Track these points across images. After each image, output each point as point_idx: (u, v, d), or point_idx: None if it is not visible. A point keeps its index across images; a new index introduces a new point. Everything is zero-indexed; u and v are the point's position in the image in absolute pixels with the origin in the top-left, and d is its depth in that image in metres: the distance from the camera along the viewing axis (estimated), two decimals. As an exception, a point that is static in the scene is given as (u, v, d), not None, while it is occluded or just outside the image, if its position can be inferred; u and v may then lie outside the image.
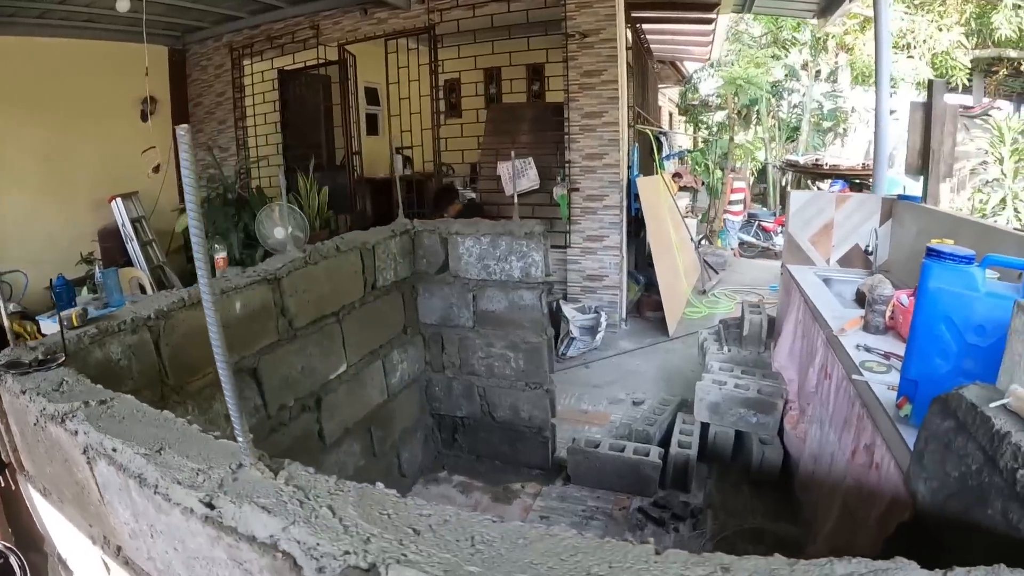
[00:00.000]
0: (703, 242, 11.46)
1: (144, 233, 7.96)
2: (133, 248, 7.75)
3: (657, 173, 8.53)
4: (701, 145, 19.36)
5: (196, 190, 1.22)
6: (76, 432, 1.51)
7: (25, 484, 2.13)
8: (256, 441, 2.67)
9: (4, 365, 1.87)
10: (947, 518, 1.54)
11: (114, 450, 1.40)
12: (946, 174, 5.01)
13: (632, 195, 7.08)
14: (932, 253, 2.20)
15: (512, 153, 4.75)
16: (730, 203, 13.05)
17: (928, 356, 2.19)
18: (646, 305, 7.55)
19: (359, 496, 1.19)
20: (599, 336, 6.52)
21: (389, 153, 8.74)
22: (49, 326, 3.94)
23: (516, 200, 3.99)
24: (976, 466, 1.42)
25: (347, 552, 1.04)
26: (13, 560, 2.10)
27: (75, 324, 2.19)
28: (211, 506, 1.20)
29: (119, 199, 7.77)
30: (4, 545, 2.09)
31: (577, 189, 6.86)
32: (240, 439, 1.32)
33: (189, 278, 7.85)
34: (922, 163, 4.93)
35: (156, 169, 8.06)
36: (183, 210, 8.22)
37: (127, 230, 7.74)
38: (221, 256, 6.39)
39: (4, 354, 1.93)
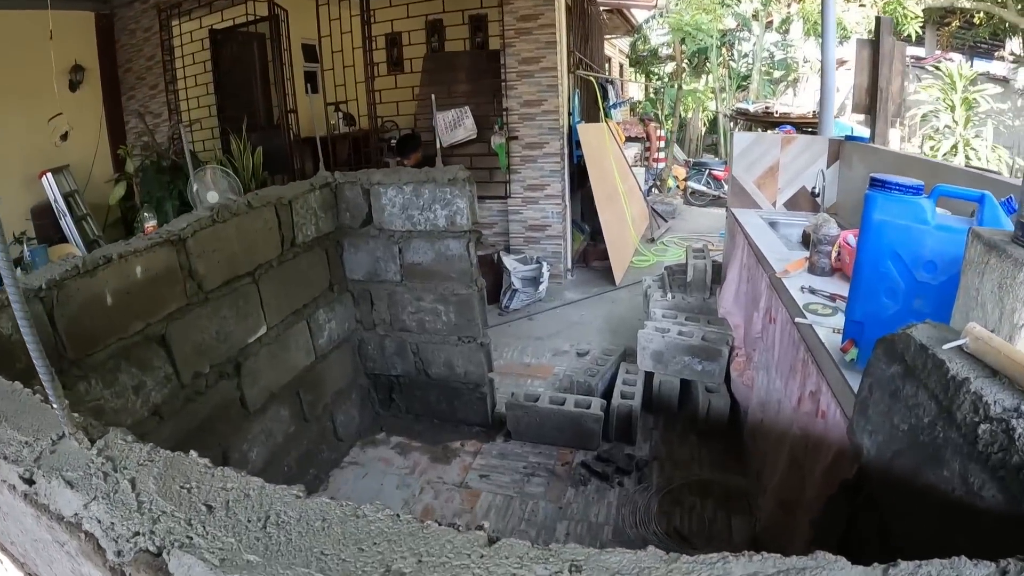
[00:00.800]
0: (653, 190, 11.37)
1: (78, 207, 7.61)
2: (67, 223, 7.41)
3: (603, 121, 8.36)
4: (651, 95, 19.26)
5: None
6: None
7: None
8: (170, 412, 2.51)
9: None
10: (894, 478, 1.36)
11: None
12: (894, 114, 4.94)
13: (575, 142, 6.90)
14: (877, 183, 2.07)
15: (434, 100, 4.50)
16: (658, 151, 12.92)
17: (874, 295, 2.08)
18: (592, 255, 7.44)
19: (166, 467, 1.04)
20: (542, 287, 6.39)
21: (330, 108, 8.49)
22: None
23: (440, 148, 3.81)
24: (928, 418, 1.23)
25: (137, 533, 0.91)
26: None
27: None
28: (30, 482, 1.06)
29: (49, 174, 7.41)
30: None
31: (516, 137, 6.68)
32: (55, 405, 1.14)
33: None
34: (870, 102, 4.84)
35: (64, 137, 7.70)
36: (116, 180, 8.03)
37: (60, 205, 7.41)
38: (151, 224, 6.16)
39: None
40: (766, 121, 14.34)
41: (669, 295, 5.12)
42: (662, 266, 6.04)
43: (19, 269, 5.91)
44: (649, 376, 4.23)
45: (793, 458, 2.64)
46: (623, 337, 5.33)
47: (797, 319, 2.68)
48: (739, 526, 3.12)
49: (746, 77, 19.55)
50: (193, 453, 1.08)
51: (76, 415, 1.17)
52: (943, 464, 1.17)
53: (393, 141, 7.32)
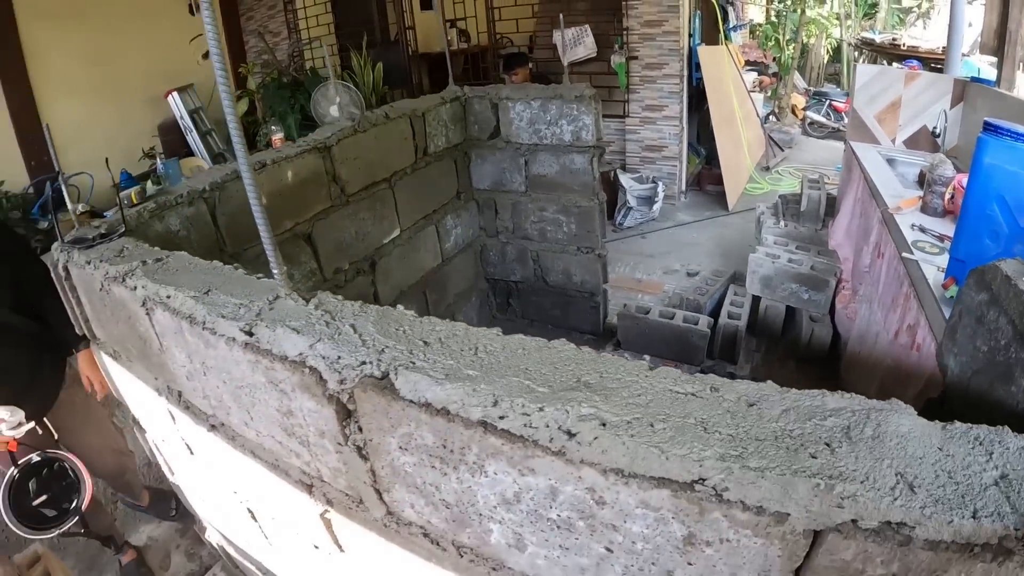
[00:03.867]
0: (771, 118, 11.11)
1: (203, 123, 8.04)
2: (193, 139, 7.87)
3: (723, 44, 8.24)
4: (773, 18, 18.56)
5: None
6: (135, 287, 1.61)
7: (98, 353, 2.28)
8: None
9: (70, 242, 1.98)
10: (971, 394, 1.49)
11: (168, 297, 1.50)
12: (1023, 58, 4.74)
13: (694, 65, 6.87)
14: (990, 128, 2.10)
15: (562, 20, 4.57)
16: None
17: (978, 236, 2.14)
18: (706, 178, 7.43)
19: (379, 316, 1.26)
20: (656, 207, 6.47)
21: (446, 25, 8.60)
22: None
23: (566, 66, 3.92)
24: (1004, 341, 1.35)
25: (363, 362, 1.12)
26: (68, 465, 2.40)
27: (134, 201, 2.27)
28: (250, 333, 1.29)
29: (175, 93, 7.83)
30: (52, 452, 2.38)
31: (636, 57, 6.65)
32: (275, 272, 1.39)
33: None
34: (997, 44, 4.66)
35: (205, 56, 8.07)
36: (239, 97, 8.39)
37: (186, 122, 7.83)
38: (278, 136, 6.44)
39: (70, 233, 2.04)
40: (892, 53, 13.63)
41: (782, 223, 5.13)
42: (776, 195, 6.02)
43: (149, 182, 6.34)
44: (756, 300, 4.30)
45: (883, 387, 2.72)
46: (733, 261, 5.38)
47: (904, 254, 2.73)
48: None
49: (873, 4, 18.59)
50: (399, 306, 1.31)
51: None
52: (1012, 380, 1.29)
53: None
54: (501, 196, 3.94)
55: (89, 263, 1.83)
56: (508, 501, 1.03)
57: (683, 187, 7.15)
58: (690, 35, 6.84)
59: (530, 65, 6.35)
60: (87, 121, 7.59)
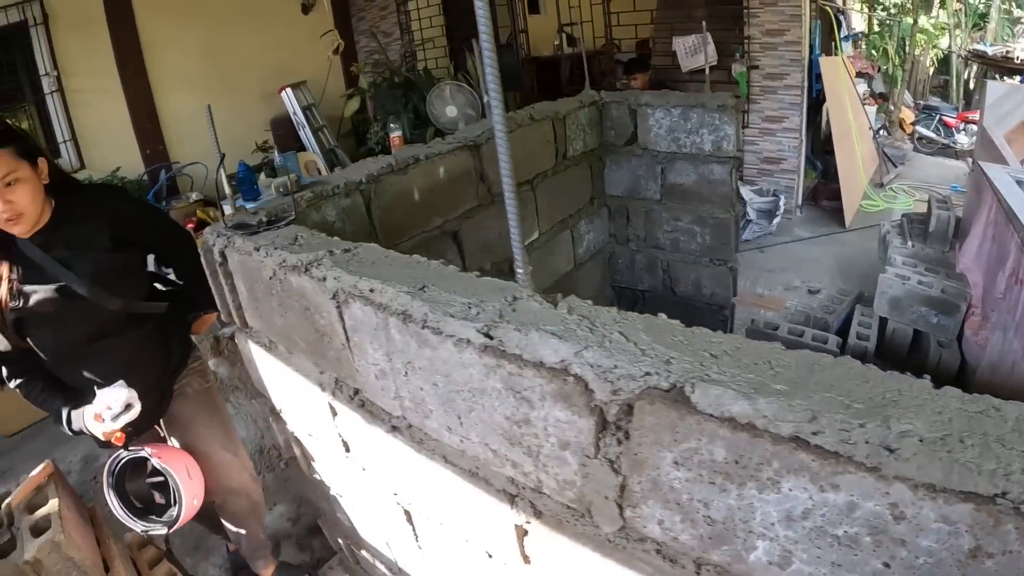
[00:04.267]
0: (881, 132, 10.78)
1: (315, 119, 8.18)
2: (306, 134, 8.00)
3: (837, 54, 8.02)
4: (877, 28, 18.01)
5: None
6: (324, 278, 1.59)
7: (245, 342, 2.29)
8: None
9: (232, 227, 1.99)
10: None
11: (371, 291, 1.45)
12: None
13: (813, 75, 6.69)
14: None
15: (704, 27, 4.48)
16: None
17: None
18: (822, 193, 7.22)
19: (647, 324, 1.18)
20: (776, 221, 6.33)
21: (558, 30, 8.59)
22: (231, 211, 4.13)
23: (708, 73, 3.84)
24: None
25: (647, 373, 1.04)
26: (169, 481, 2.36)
27: (291, 189, 2.27)
28: (489, 336, 1.22)
29: (289, 89, 8.01)
30: (160, 464, 2.35)
31: (756, 67, 6.53)
32: (520, 271, 1.37)
33: (359, 160, 8.05)
34: None
35: (336, 50, 8.21)
36: (350, 96, 8.53)
37: (299, 118, 8.00)
38: (396, 135, 6.49)
39: (231, 218, 2.07)
40: (1005, 67, 13.04)
41: (909, 243, 4.95)
42: (892, 214, 5.83)
43: (262, 175, 6.44)
44: (883, 322, 4.14)
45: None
46: (852, 280, 5.22)
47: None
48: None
49: (983, 15, 17.87)
50: (662, 315, 1.23)
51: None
52: None
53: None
54: (634, 203, 3.86)
55: (258, 250, 1.82)
56: (793, 518, 0.97)
57: (799, 201, 6.96)
58: (810, 45, 6.66)
59: (649, 70, 6.29)
60: (201, 113, 7.76)
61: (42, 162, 2.16)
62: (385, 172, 2.49)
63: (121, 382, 2.27)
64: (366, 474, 2.04)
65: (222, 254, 2.05)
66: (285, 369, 2.10)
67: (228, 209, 3.89)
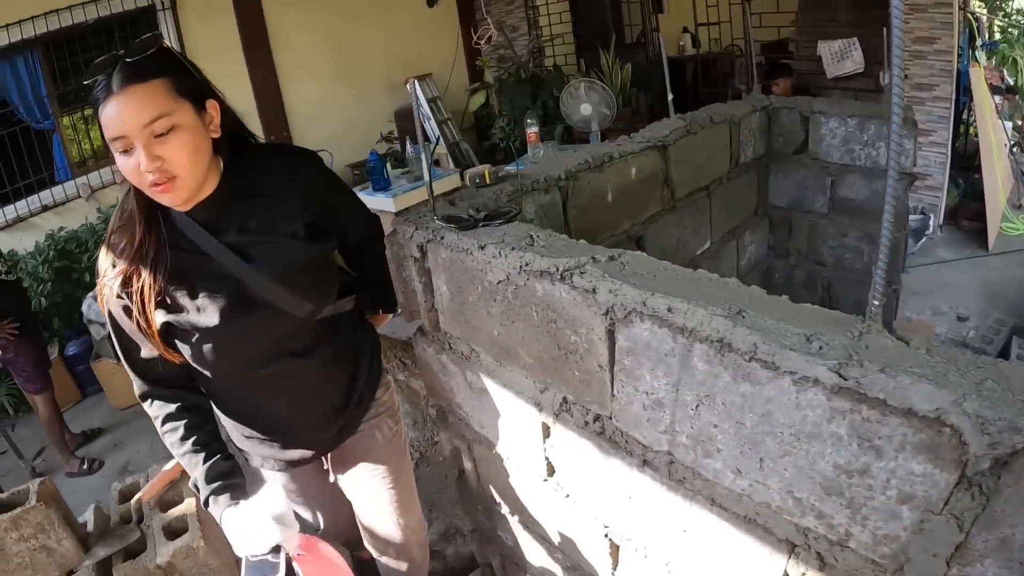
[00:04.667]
0: (1015, 149, 10.23)
1: (439, 112, 8.20)
2: (431, 127, 8.01)
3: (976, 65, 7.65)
4: (999, 34, 17.08)
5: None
6: (594, 290, 1.40)
7: (428, 347, 2.18)
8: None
9: (444, 219, 1.84)
10: None
11: (669, 310, 1.28)
12: None
13: (961, 87, 6.37)
14: None
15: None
16: None
17: None
18: (963, 213, 6.86)
19: (1016, 373, 1.04)
20: (921, 241, 6.05)
21: (683, 30, 8.43)
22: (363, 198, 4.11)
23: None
24: None
25: None
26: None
27: (487, 182, 2.18)
28: (843, 376, 1.07)
29: (415, 80, 8.00)
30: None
31: (906, 76, 6.21)
32: (875, 302, 1.25)
33: (483, 155, 8.09)
34: None
35: (488, 40, 8.23)
36: (475, 90, 8.55)
37: (424, 110, 8.03)
38: (533, 131, 6.43)
39: (440, 210, 1.92)
40: None
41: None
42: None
43: (388, 165, 6.44)
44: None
45: None
46: (1000, 307, 4.96)
47: None
48: None
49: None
50: (1004, 361, 1.09)
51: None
52: None
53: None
54: (798, 216, 3.69)
55: (483, 248, 1.67)
56: None
57: (941, 221, 6.65)
58: (959, 55, 6.35)
59: (791, 76, 6.09)
60: (327, 102, 7.96)
61: (212, 106, 1.57)
62: (582, 169, 2.39)
63: (275, 503, 1.73)
64: (567, 501, 1.93)
65: (421, 248, 1.91)
66: (487, 382, 1.97)
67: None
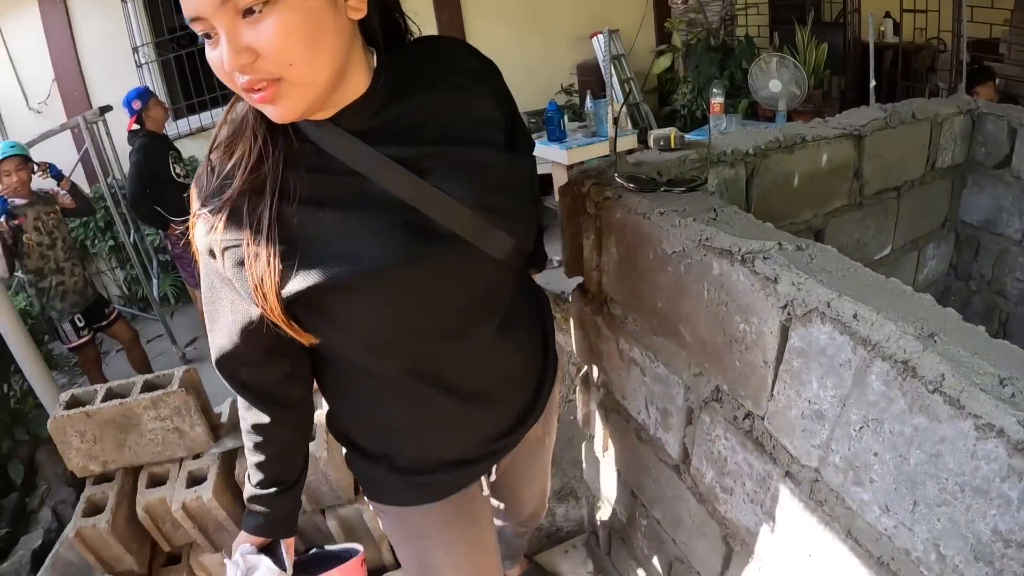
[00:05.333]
0: None
1: (622, 71, 8.08)
2: (612, 84, 7.91)
3: None
4: None
5: None
6: (775, 279, 1.28)
7: (583, 306, 2.14)
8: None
9: (627, 178, 1.77)
10: None
11: (855, 317, 1.15)
12: None
13: None
14: None
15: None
16: None
17: None
18: None
19: None
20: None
21: (889, 14, 7.96)
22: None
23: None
24: None
25: None
26: None
27: (672, 146, 2.10)
28: None
29: (601, 36, 7.95)
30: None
31: None
32: None
33: (662, 120, 7.96)
34: None
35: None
36: (660, 52, 8.37)
37: (607, 66, 7.90)
38: (718, 101, 6.25)
39: (623, 168, 1.84)
40: None
41: None
42: None
43: (565, 117, 6.40)
44: None
45: None
46: None
47: None
48: None
49: None
50: None
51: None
52: None
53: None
54: (988, 237, 3.40)
55: (663, 214, 1.55)
56: None
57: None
58: None
59: (996, 81, 5.66)
60: (510, 48, 8.02)
61: None
62: (773, 148, 2.26)
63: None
64: (691, 490, 1.88)
65: (597, 205, 1.83)
66: (638, 353, 1.88)
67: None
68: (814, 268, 1.30)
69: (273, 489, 1.47)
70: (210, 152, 1.18)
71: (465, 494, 1.59)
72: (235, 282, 1.19)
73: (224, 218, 1.12)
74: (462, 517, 1.65)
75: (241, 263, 1.13)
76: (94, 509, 2.56)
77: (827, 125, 2.54)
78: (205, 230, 1.16)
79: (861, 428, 1.18)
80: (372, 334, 1.24)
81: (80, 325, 5.37)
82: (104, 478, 2.71)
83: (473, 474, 1.59)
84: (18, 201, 5.05)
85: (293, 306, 1.16)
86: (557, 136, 6.18)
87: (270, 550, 1.51)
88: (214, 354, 1.33)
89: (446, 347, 1.34)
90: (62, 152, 6.48)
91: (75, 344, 5.45)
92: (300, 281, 1.11)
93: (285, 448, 1.47)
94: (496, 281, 1.38)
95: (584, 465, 2.73)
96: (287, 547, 1.53)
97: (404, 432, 1.47)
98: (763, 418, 1.45)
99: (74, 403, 2.58)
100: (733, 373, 1.51)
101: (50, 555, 3.47)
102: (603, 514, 2.72)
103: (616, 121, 6.75)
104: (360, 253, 1.12)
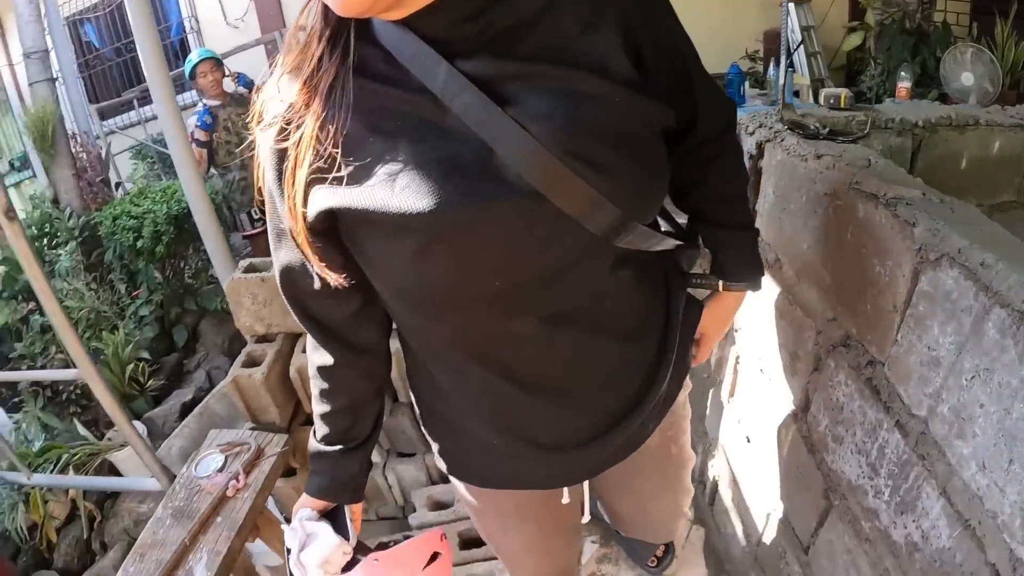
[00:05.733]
0: None
1: (810, 43, 7.83)
2: (798, 55, 7.67)
3: None
4: None
5: None
6: (913, 223, 1.26)
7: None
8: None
9: (789, 124, 1.83)
10: None
11: (982, 264, 1.11)
12: None
13: None
14: None
15: None
16: None
17: None
18: None
19: None
20: None
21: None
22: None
23: None
24: None
25: None
26: None
27: (842, 105, 2.14)
28: None
29: (791, 3, 7.68)
30: None
31: None
32: None
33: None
34: None
35: None
36: (852, 29, 8.02)
37: (795, 36, 7.68)
38: (905, 85, 5.99)
39: (789, 115, 1.90)
40: None
41: None
42: None
43: (746, 81, 6.29)
44: None
45: None
46: None
47: None
48: None
49: None
50: None
51: None
52: None
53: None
54: None
55: (820, 158, 1.60)
56: None
57: None
58: None
59: None
60: (695, 7, 7.81)
61: None
62: (943, 124, 2.20)
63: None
64: (803, 441, 1.85)
65: (760, 147, 1.86)
66: (775, 290, 1.90)
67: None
68: (953, 220, 1.26)
69: (338, 447, 1.30)
70: (277, 60, 1.00)
71: (533, 494, 1.42)
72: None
73: (279, 126, 0.95)
74: (520, 512, 1.50)
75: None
76: (252, 363, 2.73)
77: (1004, 112, 2.42)
78: (263, 139, 1.00)
79: (972, 377, 1.16)
80: (400, 289, 1.03)
81: (255, 217, 5.91)
82: (264, 339, 2.90)
83: (536, 479, 1.35)
84: (214, 103, 5.55)
85: (323, 233, 0.99)
86: (736, 101, 6.10)
87: (332, 516, 1.37)
88: (277, 278, 1.15)
89: (503, 325, 1.06)
90: (256, 67, 6.92)
91: (250, 233, 6.04)
92: (324, 199, 0.93)
93: (354, 401, 1.28)
94: (584, 256, 1.03)
95: (707, 412, 2.70)
96: (352, 513, 1.38)
97: (450, 405, 1.27)
98: (884, 364, 1.44)
99: (251, 269, 2.77)
100: (865, 318, 1.50)
101: (199, 405, 3.88)
102: (715, 462, 2.69)
103: (790, 64, 6.59)
104: (397, 187, 0.90)
